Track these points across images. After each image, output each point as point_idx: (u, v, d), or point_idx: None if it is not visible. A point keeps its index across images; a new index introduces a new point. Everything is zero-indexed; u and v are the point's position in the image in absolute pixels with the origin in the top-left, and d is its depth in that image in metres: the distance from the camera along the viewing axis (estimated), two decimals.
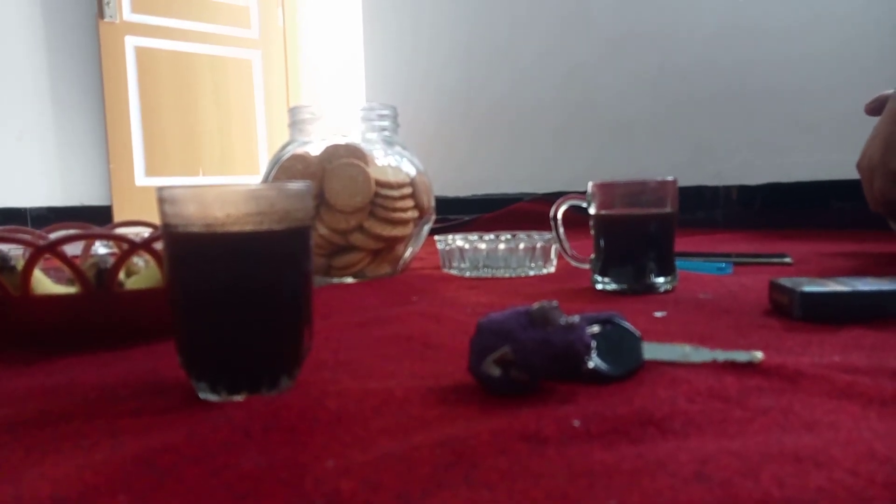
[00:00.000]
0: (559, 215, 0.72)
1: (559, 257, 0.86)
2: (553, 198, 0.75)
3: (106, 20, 2.57)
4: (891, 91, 0.77)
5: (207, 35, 2.80)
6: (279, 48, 3.02)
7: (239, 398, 0.34)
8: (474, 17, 2.17)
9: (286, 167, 0.83)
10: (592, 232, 0.68)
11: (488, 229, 1.30)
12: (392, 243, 0.83)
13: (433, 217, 0.90)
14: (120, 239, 0.49)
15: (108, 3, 2.56)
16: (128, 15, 2.61)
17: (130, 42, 2.62)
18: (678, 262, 0.67)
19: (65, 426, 0.31)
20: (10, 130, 2.50)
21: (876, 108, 0.79)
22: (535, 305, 0.33)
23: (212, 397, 0.34)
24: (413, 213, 0.84)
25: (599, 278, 0.67)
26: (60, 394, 0.36)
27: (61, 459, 0.27)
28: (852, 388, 0.32)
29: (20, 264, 0.47)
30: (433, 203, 0.89)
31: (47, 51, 2.56)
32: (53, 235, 0.55)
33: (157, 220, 0.58)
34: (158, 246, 0.47)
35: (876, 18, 1.29)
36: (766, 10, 1.46)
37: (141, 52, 2.64)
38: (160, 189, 0.34)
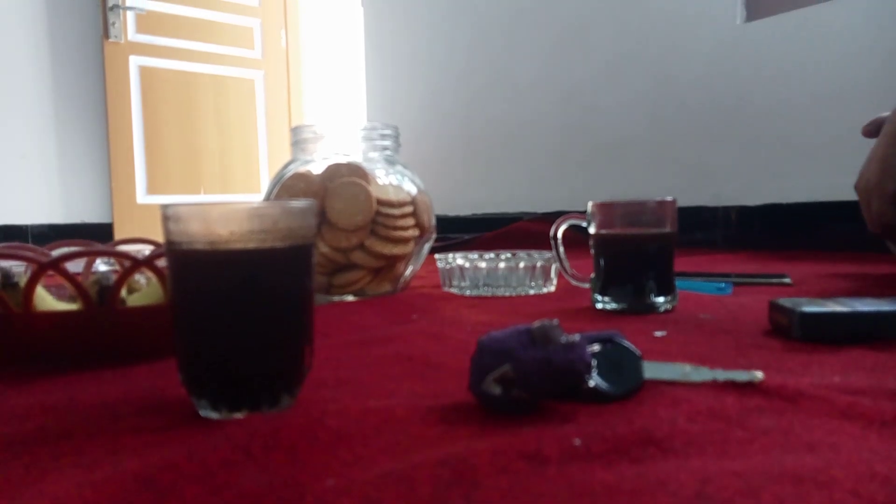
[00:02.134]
0: (559, 234, 0.72)
1: (559, 276, 0.86)
2: (553, 217, 0.76)
3: (111, 40, 2.60)
4: (887, 114, 0.78)
5: (211, 55, 2.83)
6: (282, 68, 3.05)
7: (239, 416, 0.34)
8: (474, 40, 2.20)
9: (288, 185, 0.83)
10: (592, 251, 0.68)
11: (488, 248, 1.31)
12: (393, 262, 0.83)
13: (434, 236, 0.90)
14: (122, 256, 0.49)
15: (113, 24, 2.60)
16: (132, 35, 2.65)
17: (134, 62, 2.65)
18: (678, 282, 0.67)
19: (65, 444, 0.31)
20: (14, 148, 2.51)
21: (872, 130, 0.80)
22: (536, 324, 0.33)
23: (212, 415, 0.34)
24: (414, 232, 0.85)
25: (599, 298, 0.67)
26: (61, 411, 0.36)
27: (61, 477, 0.27)
28: (853, 409, 0.32)
29: (23, 281, 0.47)
30: (434, 222, 0.90)
31: (52, 69, 2.59)
32: (56, 252, 0.56)
33: (158, 238, 0.58)
34: (160, 263, 0.48)
35: (872, 44, 1.31)
36: (763, 35, 1.48)
37: (145, 72, 2.67)
38: (164, 207, 0.34)
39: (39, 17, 2.56)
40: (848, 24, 1.34)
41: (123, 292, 0.51)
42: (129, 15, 2.63)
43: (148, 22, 2.67)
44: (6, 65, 2.49)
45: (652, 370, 0.37)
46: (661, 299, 0.65)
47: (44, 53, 2.57)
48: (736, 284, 0.81)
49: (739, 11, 1.52)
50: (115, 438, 0.32)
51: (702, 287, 0.77)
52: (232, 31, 2.89)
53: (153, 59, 2.69)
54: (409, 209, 0.84)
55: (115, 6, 2.59)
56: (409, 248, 0.85)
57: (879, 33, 1.30)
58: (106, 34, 2.59)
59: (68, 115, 2.63)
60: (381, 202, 0.81)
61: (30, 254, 0.51)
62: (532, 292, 0.82)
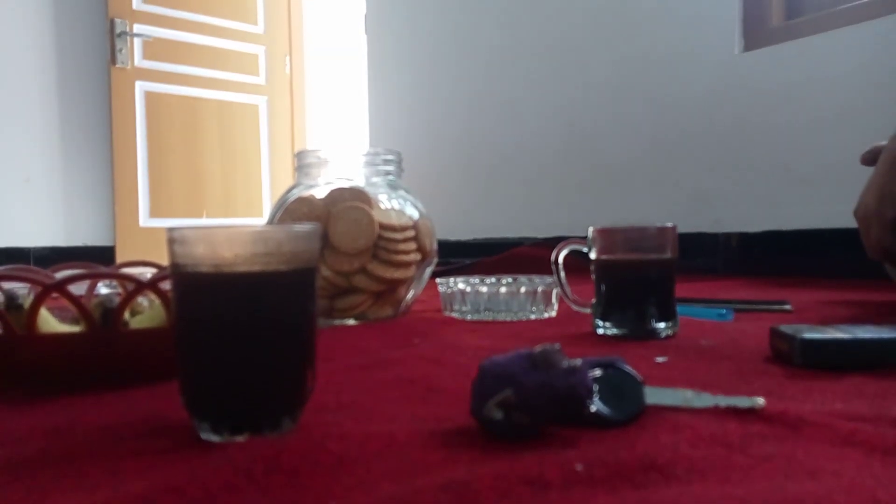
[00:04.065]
0: (560, 260, 0.72)
1: (560, 301, 0.86)
2: (553, 242, 0.76)
3: (118, 66, 2.64)
4: (884, 142, 0.78)
5: (216, 81, 2.87)
6: (285, 94, 3.09)
7: (241, 439, 0.34)
8: (476, 67, 2.23)
9: (291, 210, 0.84)
10: (593, 277, 0.68)
11: (490, 273, 1.31)
12: (394, 286, 0.84)
13: (435, 260, 0.90)
14: (126, 278, 0.50)
15: (120, 50, 2.64)
16: (139, 61, 2.69)
17: (140, 87, 2.69)
18: (679, 308, 0.68)
19: (66, 466, 0.31)
20: (20, 172, 2.53)
21: (870, 158, 0.81)
22: (538, 348, 0.34)
23: (214, 438, 0.34)
24: (415, 256, 0.85)
25: (600, 323, 0.67)
26: (62, 433, 0.36)
27: (63, 500, 0.27)
28: (855, 436, 0.32)
29: (27, 303, 0.48)
30: (435, 246, 0.90)
31: (59, 94, 2.62)
32: (60, 275, 0.56)
33: (159, 261, 0.59)
34: (163, 285, 0.48)
35: (868, 73, 1.33)
36: (761, 65, 1.50)
37: (150, 97, 2.71)
38: (170, 230, 0.35)
39: (48, 43, 2.60)
40: (844, 54, 1.36)
41: (126, 315, 0.51)
42: (136, 41, 2.68)
43: (154, 48, 2.72)
44: (15, 89, 2.52)
45: (653, 396, 0.37)
46: (662, 325, 0.65)
47: (51, 78, 2.60)
48: (737, 311, 0.81)
49: (738, 41, 1.55)
50: (117, 461, 0.32)
51: (703, 313, 0.77)
52: (237, 57, 2.93)
53: (159, 84, 2.73)
54: (410, 233, 0.84)
55: (123, 33, 2.64)
56: (411, 272, 0.85)
57: (875, 63, 1.32)
58: (113, 60, 2.63)
59: (74, 139, 2.65)
60: (383, 226, 0.81)
61: (34, 276, 0.52)
62: (533, 317, 0.82)
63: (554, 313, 0.84)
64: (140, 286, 0.48)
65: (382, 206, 0.84)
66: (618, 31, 1.80)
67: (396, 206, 0.86)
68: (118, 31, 2.63)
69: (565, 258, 0.72)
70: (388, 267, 0.82)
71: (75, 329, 0.50)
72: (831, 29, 1.39)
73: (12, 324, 0.46)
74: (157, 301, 0.51)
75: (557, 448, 0.31)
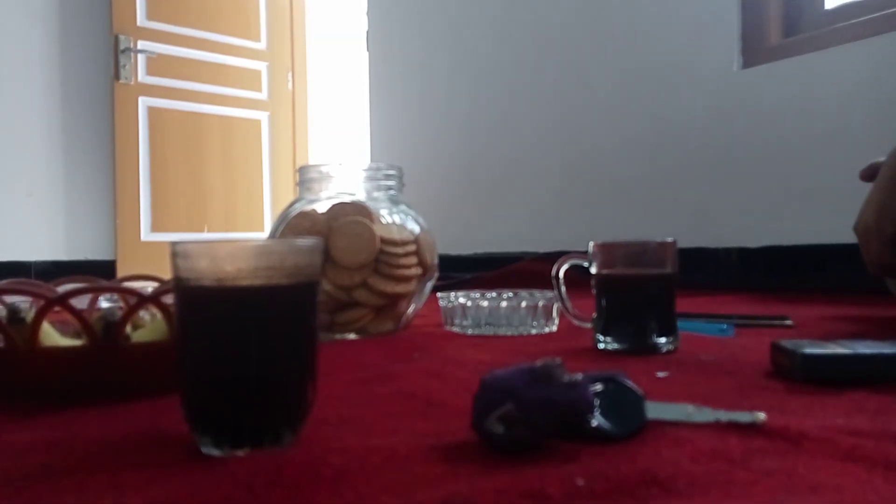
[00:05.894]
0: (561, 274, 0.72)
1: (561, 316, 0.86)
2: (554, 257, 0.76)
3: (121, 82, 2.66)
4: (883, 159, 0.79)
5: (218, 97, 2.89)
6: (287, 110, 3.11)
7: (242, 453, 0.34)
8: (476, 83, 2.24)
9: (293, 224, 0.84)
10: (594, 291, 0.68)
11: (490, 287, 1.31)
12: (395, 300, 0.84)
13: (436, 274, 0.91)
14: (128, 292, 0.50)
15: (124, 66, 2.66)
16: (142, 77, 2.71)
17: (143, 102, 2.71)
18: (679, 323, 0.68)
19: (67, 480, 0.31)
20: (23, 186, 2.54)
21: (869, 174, 0.81)
22: (539, 363, 0.34)
23: (214, 452, 0.34)
24: (416, 271, 0.85)
25: (601, 338, 0.67)
26: (62, 447, 0.36)
27: None
28: (856, 451, 0.32)
29: (29, 316, 0.48)
30: (436, 261, 0.90)
31: (62, 109, 2.64)
32: (62, 288, 0.56)
33: (161, 275, 0.59)
34: (165, 299, 0.48)
35: (867, 90, 1.33)
36: (760, 81, 1.51)
37: (153, 112, 2.73)
38: (174, 244, 0.35)
39: (53, 59, 2.62)
40: (842, 71, 1.37)
41: (128, 328, 0.51)
42: (140, 57, 2.70)
43: (158, 64, 2.74)
44: (19, 103, 2.54)
45: (655, 410, 0.37)
46: (662, 340, 0.65)
47: (55, 93, 2.62)
48: (737, 326, 0.81)
49: (736, 58, 1.56)
50: (117, 475, 0.32)
51: (703, 328, 0.77)
52: (240, 73, 2.96)
53: (162, 100, 2.75)
54: (412, 248, 0.84)
55: (127, 49, 2.66)
56: (412, 286, 0.85)
57: (874, 79, 1.33)
58: (116, 76, 2.65)
59: (76, 154, 2.67)
60: (384, 241, 0.81)
61: (36, 289, 0.52)
62: (534, 332, 0.82)
63: (555, 328, 0.84)
64: (142, 300, 0.48)
65: (384, 221, 0.84)
66: (618, 47, 1.82)
67: (398, 221, 0.86)
68: (122, 47, 2.66)
69: (566, 273, 0.73)
70: (389, 281, 0.82)
71: (77, 343, 0.51)
72: (829, 46, 1.40)
73: (14, 337, 0.47)
74: (158, 315, 0.51)
75: (559, 462, 0.31)
